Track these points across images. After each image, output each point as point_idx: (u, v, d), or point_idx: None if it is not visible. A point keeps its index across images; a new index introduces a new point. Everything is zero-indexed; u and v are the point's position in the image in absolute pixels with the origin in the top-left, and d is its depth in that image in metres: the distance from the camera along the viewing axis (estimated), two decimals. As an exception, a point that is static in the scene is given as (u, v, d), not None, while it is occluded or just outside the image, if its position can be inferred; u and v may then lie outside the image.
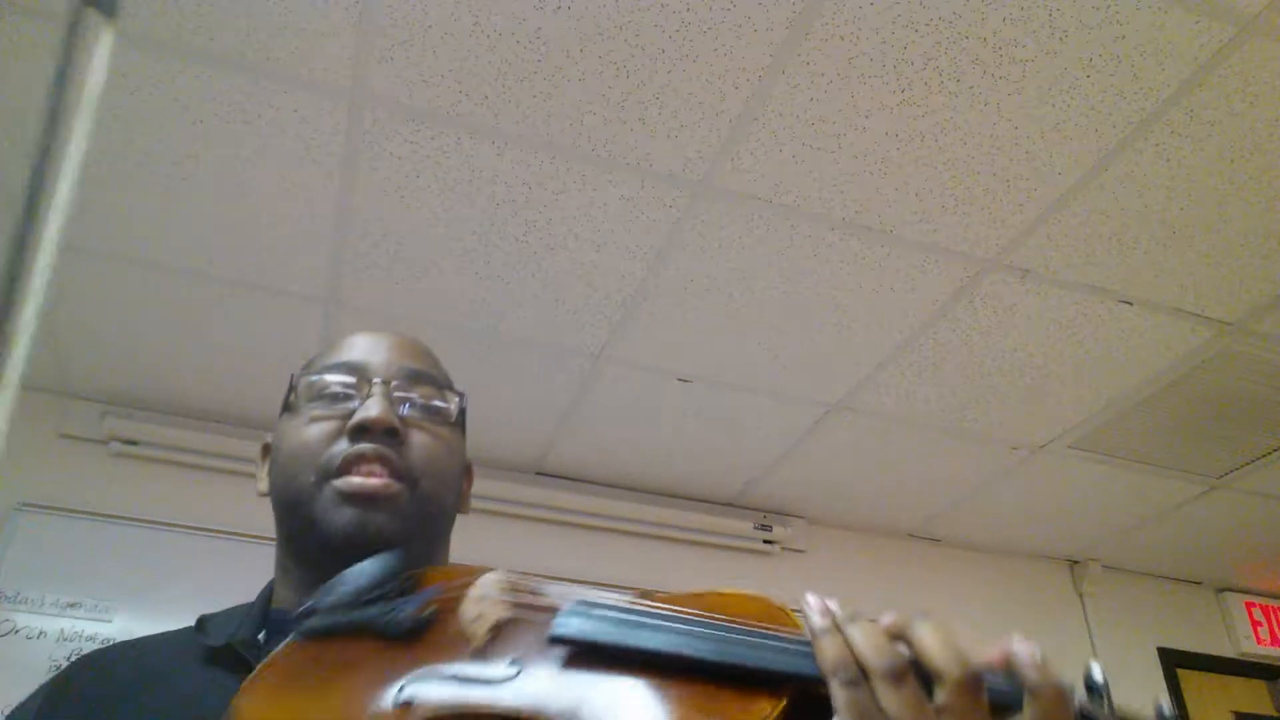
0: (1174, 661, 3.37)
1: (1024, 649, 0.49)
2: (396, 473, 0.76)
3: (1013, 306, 2.21)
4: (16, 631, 2.32)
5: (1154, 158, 1.81)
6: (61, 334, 2.42)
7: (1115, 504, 3.08)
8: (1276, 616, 3.63)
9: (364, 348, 0.86)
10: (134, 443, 2.64)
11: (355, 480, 0.74)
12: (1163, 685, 3.30)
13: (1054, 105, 1.70)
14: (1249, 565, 3.48)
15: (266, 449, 0.88)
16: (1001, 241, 2.02)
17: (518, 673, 0.55)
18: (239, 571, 2.62)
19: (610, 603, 0.57)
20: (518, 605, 0.61)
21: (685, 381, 2.52)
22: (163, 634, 0.83)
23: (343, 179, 1.91)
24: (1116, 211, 1.93)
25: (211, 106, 1.75)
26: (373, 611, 0.64)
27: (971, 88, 1.68)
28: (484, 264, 2.12)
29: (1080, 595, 3.44)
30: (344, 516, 0.73)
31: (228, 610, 0.83)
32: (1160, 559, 3.45)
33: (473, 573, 0.66)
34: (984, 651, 0.49)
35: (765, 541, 3.11)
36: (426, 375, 0.85)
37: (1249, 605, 3.59)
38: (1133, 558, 3.45)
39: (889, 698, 0.46)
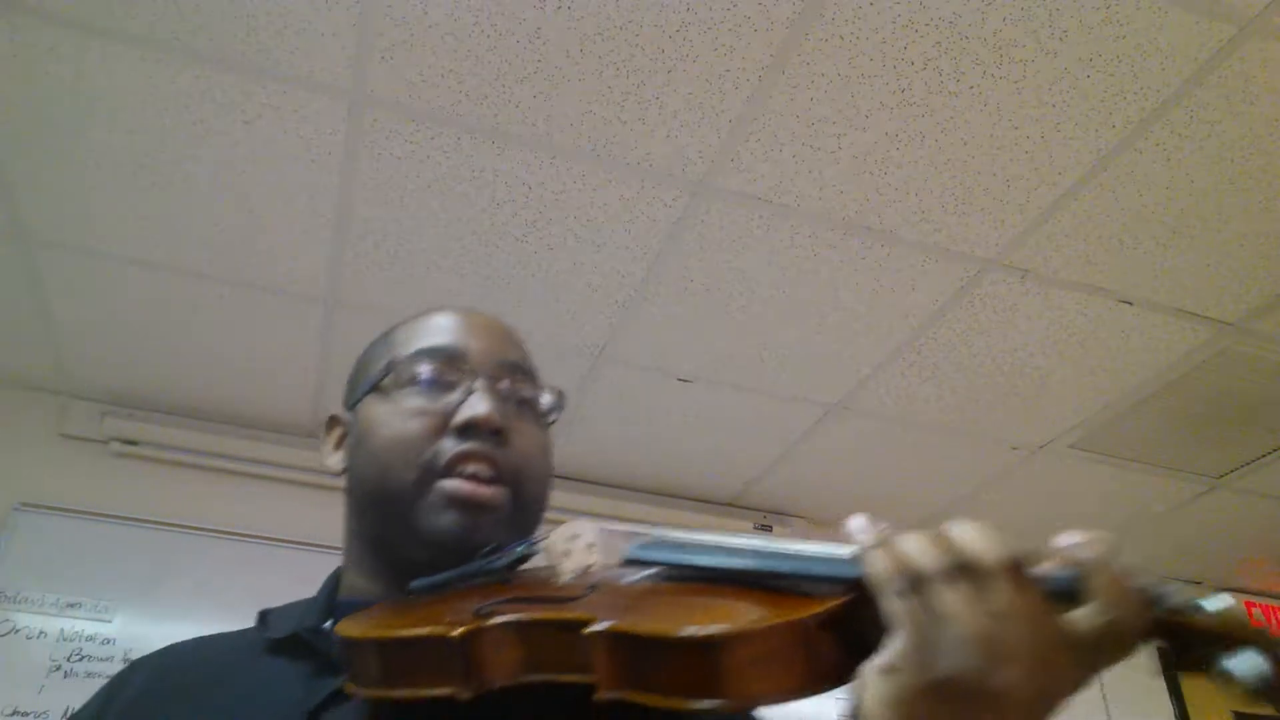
0: (1174, 662, 3.36)
1: (1074, 535, 0.47)
2: (501, 475, 0.73)
3: (1013, 306, 2.21)
4: (16, 631, 2.32)
5: (1154, 158, 1.81)
6: (61, 334, 2.42)
7: (1115, 504, 3.08)
8: (1277, 616, 3.63)
9: (460, 332, 0.80)
10: (134, 443, 2.64)
11: (466, 487, 0.72)
12: (1163, 685, 3.29)
13: (1054, 105, 1.70)
14: (1249, 565, 3.48)
15: (336, 422, 0.85)
16: (1001, 241, 2.02)
17: (591, 591, 0.59)
18: (239, 571, 2.65)
19: (680, 536, 0.60)
20: (602, 544, 0.64)
21: (685, 381, 2.52)
22: (223, 633, 0.80)
23: (343, 179, 1.91)
24: (1116, 211, 1.93)
25: (211, 106, 1.75)
26: (472, 565, 0.68)
27: (971, 88, 1.68)
28: (484, 264, 2.12)
29: (1080, 595, 3.43)
30: (448, 520, 0.71)
31: (289, 604, 0.80)
32: (1160, 559, 3.44)
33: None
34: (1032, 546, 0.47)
35: (765, 541, 3.11)
36: (525, 368, 0.82)
37: (1249, 605, 3.59)
38: (1133, 557, 3.44)
39: (943, 601, 0.44)
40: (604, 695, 0.49)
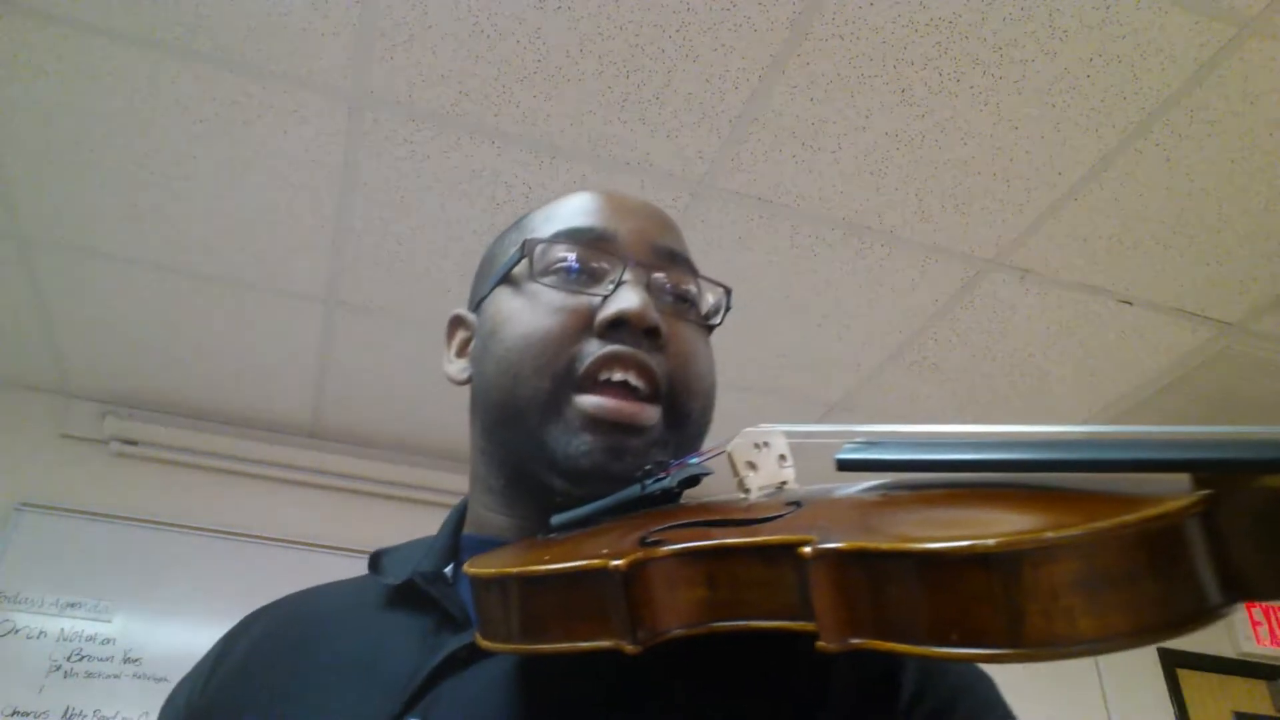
0: (1174, 661, 3.37)
1: None
2: (654, 386, 0.60)
3: (1013, 306, 2.21)
4: (16, 631, 2.32)
5: (1154, 158, 1.81)
6: (61, 334, 2.42)
7: (1115, 504, 3.08)
8: (1276, 616, 3.63)
9: (608, 213, 0.66)
10: (134, 443, 2.64)
11: (609, 404, 0.58)
12: (1163, 685, 3.30)
13: (1054, 105, 1.70)
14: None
15: (460, 322, 0.72)
16: (1001, 241, 2.02)
17: (794, 510, 0.45)
18: (239, 571, 2.65)
19: (915, 428, 0.45)
20: (800, 455, 0.50)
21: (685, 381, 2.52)
22: (342, 580, 0.70)
23: (343, 179, 1.91)
24: (1116, 211, 1.93)
25: (211, 106, 1.75)
26: (628, 491, 0.55)
27: (971, 88, 1.68)
28: (484, 264, 2.12)
29: (1080, 595, 3.43)
30: (587, 444, 0.58)
31: (410, 542, 0.70)
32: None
33: None
34: None
35: (765, 541, 3.10)
36: (685, 258, 0.67)
37: (1249, 605, 3.59)
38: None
39: None
40: (830, 645, 0.35)
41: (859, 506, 0.43)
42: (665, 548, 0.42)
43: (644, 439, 0.59)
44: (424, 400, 2.62)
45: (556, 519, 0.57)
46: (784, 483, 0.52)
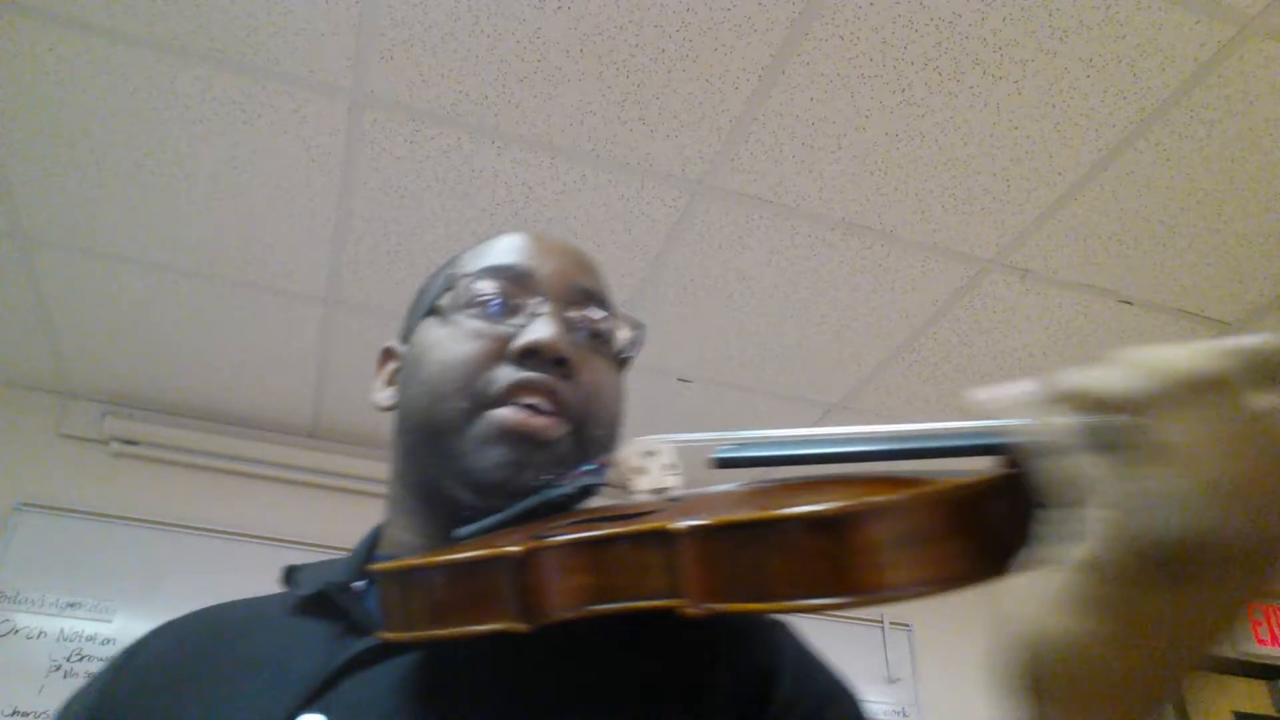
0: (1174, 661, 3.37)
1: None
2: (563, 410, 0.64)
3: (1013, 306, 2.21)
4: (16, 631, 2.32)
5: (1154, 158, 1.81)
6: (61, 334, 2.42)
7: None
8: (1276, 616, 3.63)
9: (529, 252, 0.71)
10: (134, 443, 2.64)
11: (518, 416, 0.63)
12: (1163, 685, 3.29)
13: (1054, 105, 1.70)
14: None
15: (391, 354, 0.77)
16: (1001, 241, 2.02)
17: (674, 504, 0.50)
18: (239, 571, 2.64)
19: (781, 433, 0.50)
20: (685, 462, 0.56)
21: (685, 381, 2.52)
22: (252, 597, 0.74)
23: (343, 179, 1.91)
24: (1116, 211, 1.93)
25: (211, 106, 1.75)
26: (526, 501, 0.60)
27: (971, 88, 1.68)
28: (484, 264, 2.12)
29: (1080, 595, 3.43)
30: (497, 455, 0.62)
31: (323, 560, 0.74)
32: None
33: None
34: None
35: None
36: (600, 297, 0.72)
37: (1249, 605, 3.58)
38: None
39: (1168, 434, 0.33)
40: (694, 610, 0.40)
41: (728, 496, 0.49)
42: (555, 538, 0.47)
43: (550, 454, 0.63)
44: (424, 400, 2.61)
45: (460, 531, 0.60)
46: (670, 486, 0.57)
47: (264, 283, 2.21)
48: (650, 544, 0.43)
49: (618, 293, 2.47)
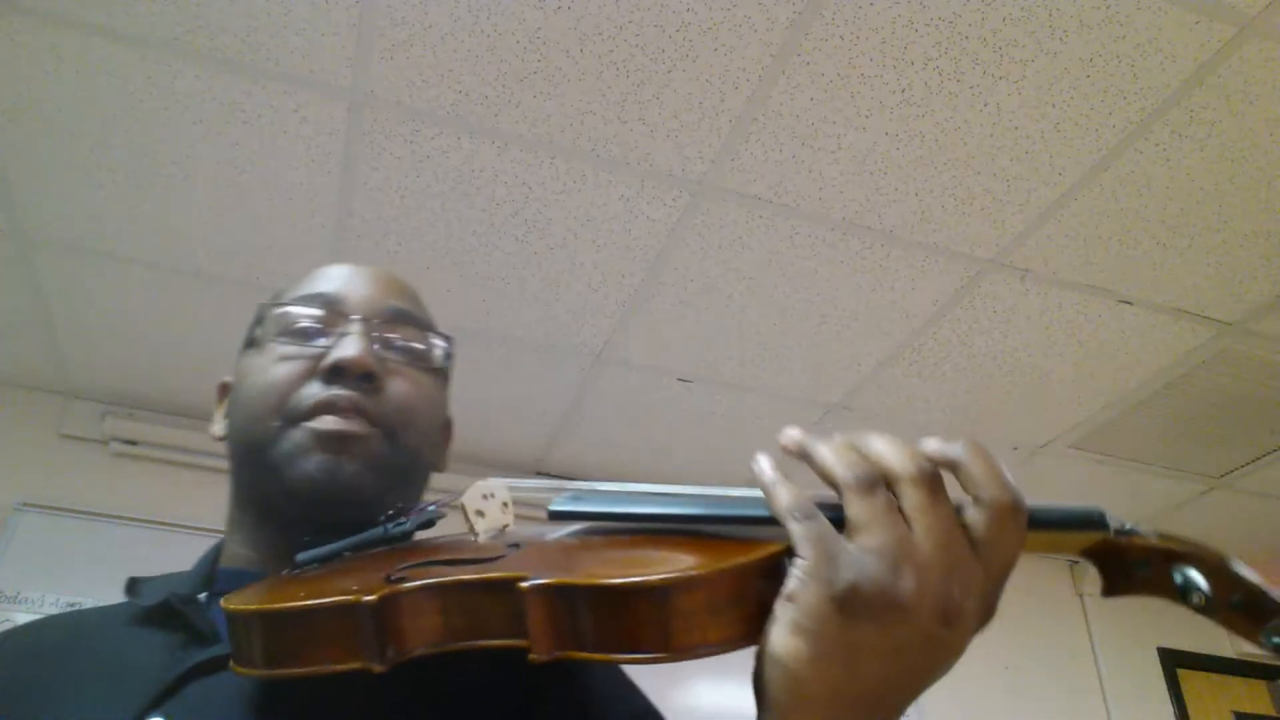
0: (1174, 661, 3.37)
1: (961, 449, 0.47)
2: (372, 421, 0.68)
3: (1013, 306, 2.21)
4: (16, 631, 2.32)
5: (1154, 158, 1.81)
6: (61, 334, 2.42)
7: (1115, 504, 3.08)
8: (1276, 616, 3.63)
9: (341, 279, 0.75)
10: (134, 443, 2.64)
11: (327, 422, 0.66)
12: (1163, 685, 3.30)
13: (1054, 105, 1.70)
14: (1249, 565, 3.47)
15: (226, 389, 0.80)
16: (1001, 241, 2.02)
17: (514, 550, 0.54)
18: (239, 571, 2.62)
19: (606, 486, 0.58)
20: (519, 504, 0.61)
21: (685, 381, 2.52)
22: (98, 606, 0.76)
23: (343, 179, 1.91)
24: (1116, 211, 1.93)
25: (211, 106, 1.75)
26: (370, 532, 0.62)
27: (971, 88, 1.68)
28: (484, 264, 2.12)
29: (1080, 595, 3.43)
30: (312, 463, 0.65)
31: (165, 575, 0.77)
32: (1160, 559, 3.44)
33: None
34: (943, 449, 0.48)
35: (765, 541, 3.11)
36: (409, 315, 0.75)
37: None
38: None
39: (860, 510, 0.43)
40: (540, 656, 0.45)
41: (563, 549, 0.54)
42: (409, 584, 0.50)
43: (363, 459, 0.66)
44: (424, 400, 2.62)
45: (302, 556, 0.62)
46: (506, 526, 0.61)
47: (264, 282, 2.21)
48: (499, 592, 0.47)
49: (618, 292, 2.47)
